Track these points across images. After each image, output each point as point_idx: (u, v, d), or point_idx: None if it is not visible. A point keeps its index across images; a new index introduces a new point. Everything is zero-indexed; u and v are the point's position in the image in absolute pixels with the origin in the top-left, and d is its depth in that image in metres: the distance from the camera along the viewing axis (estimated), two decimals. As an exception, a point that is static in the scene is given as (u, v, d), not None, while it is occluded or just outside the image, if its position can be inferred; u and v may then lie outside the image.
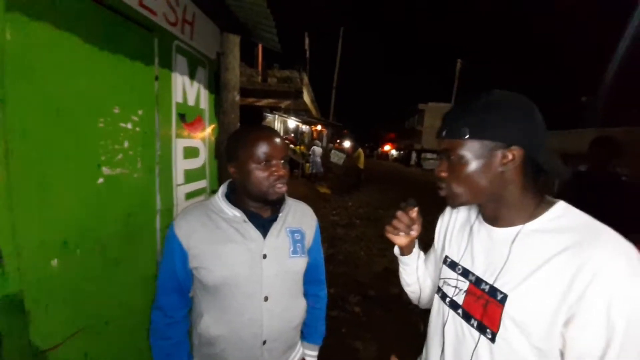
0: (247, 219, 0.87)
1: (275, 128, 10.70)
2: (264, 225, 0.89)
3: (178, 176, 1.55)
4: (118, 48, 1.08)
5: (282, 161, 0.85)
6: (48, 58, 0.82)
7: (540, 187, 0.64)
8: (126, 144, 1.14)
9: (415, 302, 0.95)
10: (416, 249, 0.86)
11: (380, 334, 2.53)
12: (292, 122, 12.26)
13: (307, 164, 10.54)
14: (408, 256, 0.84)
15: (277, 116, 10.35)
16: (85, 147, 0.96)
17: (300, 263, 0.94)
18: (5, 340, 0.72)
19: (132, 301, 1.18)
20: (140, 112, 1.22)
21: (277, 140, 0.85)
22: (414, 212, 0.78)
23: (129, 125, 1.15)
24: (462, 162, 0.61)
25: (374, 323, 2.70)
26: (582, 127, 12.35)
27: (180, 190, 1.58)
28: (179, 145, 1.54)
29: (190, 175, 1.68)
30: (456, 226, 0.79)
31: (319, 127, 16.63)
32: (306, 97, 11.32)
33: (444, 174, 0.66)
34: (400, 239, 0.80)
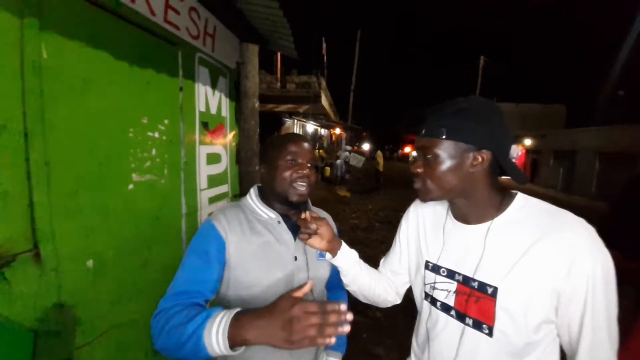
0: (281, 220, 0.89)
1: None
2: (292, 228, 0.91)
3: (202, 181, 1.61)
4: (145, 62, 1.15)
5: (309, 165, 0.90)
6: (82, 74, 0.90)
7: (500, 184, 0.70)
8: (154, 152, 1.20)
9: (364, 300, 0.94)
10: (343, 251, 0.85)
11: (402, 340, 2.47)
12: (310, 127, 12.35)
13: (327, 168, 10.57)
14: (335, 258, 0.85)
15: (295, 121, 10.48)
16: (116, 155, 1.03)
17: (326, 266, 0.95)
18: (41, 337, 0.78)
19: (158, 301, 1.24)
20: (166, 121, 1.28)
21: (306, 145, 0.91)
22: (305, 215, 0.81)
23: (156, 134, 1.22)
24: (438, 161, 0.66)
25: (395, 329, 2.64)
26: (618, 123, 11.51)
27: (204, 195, 1.64)
28: (202, 152, 1.60)
29: (213, 180, 1.74)
30: (427, 229, 0.81)
31: (337, 131, 16.65)
32: (324, 101, 11.39)
33: (419, 170, 0.70)
34: (315, 243, 0.82)
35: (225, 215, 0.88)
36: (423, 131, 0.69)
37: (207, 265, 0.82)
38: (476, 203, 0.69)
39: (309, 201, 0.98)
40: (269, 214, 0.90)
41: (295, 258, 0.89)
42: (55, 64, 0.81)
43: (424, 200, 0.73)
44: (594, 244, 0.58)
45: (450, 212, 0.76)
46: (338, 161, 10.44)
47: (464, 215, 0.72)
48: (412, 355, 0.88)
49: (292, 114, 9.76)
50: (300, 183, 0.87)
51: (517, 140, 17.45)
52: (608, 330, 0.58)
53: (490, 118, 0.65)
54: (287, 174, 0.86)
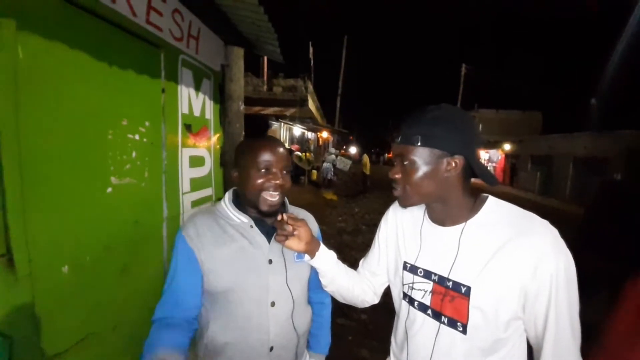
0: (253, 224, 0.89)
1: (281, 136, 10.84)
2: (268, 232, 0.91)
3: (184, 184, 1.59)
4: (126, 63, 1.13)
5: (284, 171, 0.88)
6: (59, 74, 0.87)
7: (472, 187, 0.73)
8: (134, 154, 1.18)
9: (342, 301, 0.96)
10: (322, 253, 0.88)
11: (387, 342, 2.49)
12: (297, 130, 12.36)
13: (314, 171, 10.59)
14: (313, 260, 0.87)
15: (282, 124, 10.46)
16: (95, 158, 1.00)
17: (305, 268, 0.95)
18: (16, 344, 0.75)
19: (139, 307, 1.21)
20: (147, 123, 1.26)
21: (280, 150, 0.87)
22: (281, 217, 0.84)
23: (137, 137, 1.20)
24: (414, 167, 0.69)
25: (381, 331, 2.66)
26: (588, 130, 12.14)
27: (187, 198, 1.62)
28: (185, 154, 1.58)
29: (196, 184, 1.72)
30: (405, 231, 0.83)
31: (324, 134, 16.71)
32: (311, 105, 11.44)
33: (397, 176, 0.73)
34: (293, 244, 0.84)
35: (195, 223, 0.88)
36: (399, 138, 0.71)
37: (176, 278, 0.86)
38: (451, 206, 0.72)
39: (287, 202, 0.98)
40: (241, 218, 0.89)
41: (270, 261, 0.88)
42: (32, 64, 0.79)
43: (405, 206, 0.76)
44: (557, 244, 0.62)
45: (427, 215, 0.79)
46: (326, 164, 10.49)
47: (439, 217, 0.75)
48: (391, 355, 0.90)
49: (278, 117, 9.74)
50: (272, 193, 0.86)
51: (497, 145, 18.04)
52: (570, 324, 0.62)
53: (461, 125, 0.68)
54: (258, 183, 0.84)
